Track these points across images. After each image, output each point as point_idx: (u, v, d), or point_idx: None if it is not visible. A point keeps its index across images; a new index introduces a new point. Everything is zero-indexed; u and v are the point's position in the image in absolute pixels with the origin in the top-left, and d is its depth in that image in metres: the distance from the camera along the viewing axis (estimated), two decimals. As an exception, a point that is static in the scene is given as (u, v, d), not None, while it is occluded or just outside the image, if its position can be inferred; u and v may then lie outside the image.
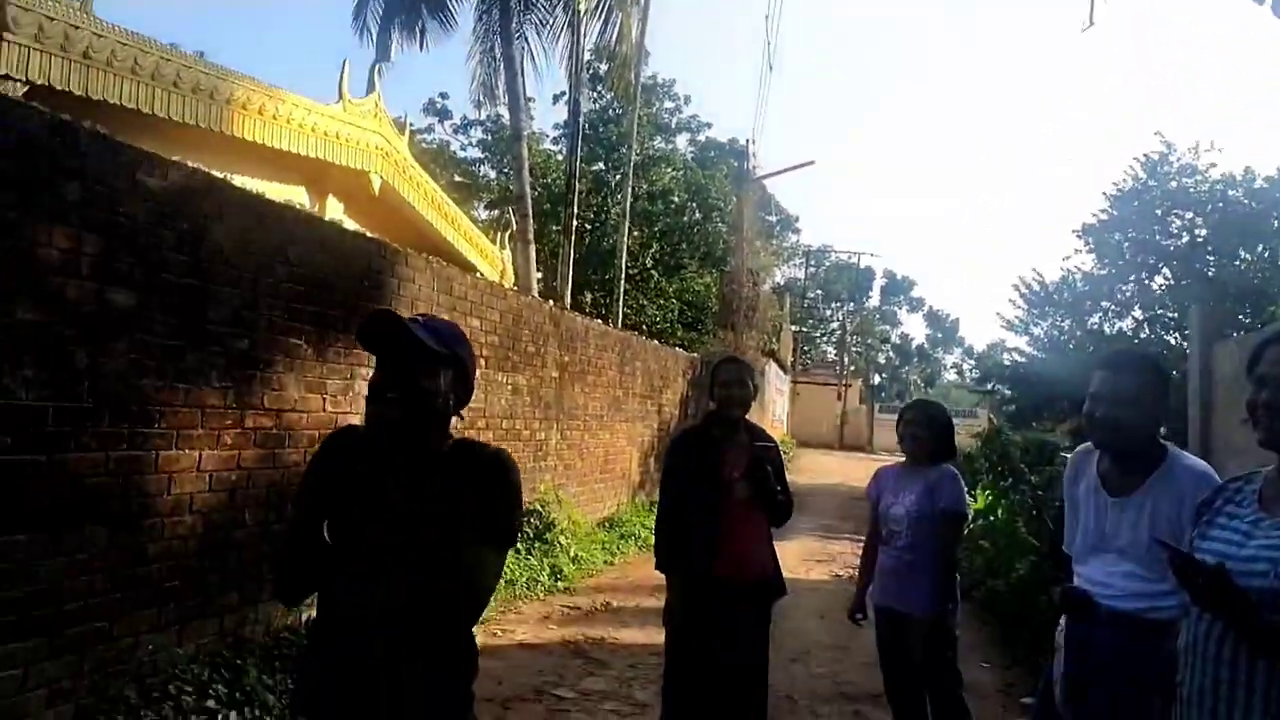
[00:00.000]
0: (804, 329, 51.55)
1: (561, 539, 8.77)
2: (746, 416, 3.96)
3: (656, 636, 6.65)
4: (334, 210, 8.62)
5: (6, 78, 4.61)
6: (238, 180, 5.05)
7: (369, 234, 6.86)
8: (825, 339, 59.49)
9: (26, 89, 4.76)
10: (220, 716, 4.17)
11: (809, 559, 10.37)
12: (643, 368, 12.96)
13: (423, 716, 1.87)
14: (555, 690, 5.33)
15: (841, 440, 41.72)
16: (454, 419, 2.03)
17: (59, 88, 5.04)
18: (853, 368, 51.98)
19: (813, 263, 51.51)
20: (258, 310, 5.03)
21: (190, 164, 4.64)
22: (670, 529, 3.73)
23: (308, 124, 7.69)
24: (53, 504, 3.83)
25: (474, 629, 2.00)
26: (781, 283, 44.60)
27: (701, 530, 3.64)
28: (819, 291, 55.44)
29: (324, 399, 5.63)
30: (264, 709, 4.32)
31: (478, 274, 8.79)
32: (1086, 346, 16.74)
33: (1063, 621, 2.73)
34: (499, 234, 15.75)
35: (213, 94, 6.61)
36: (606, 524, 10.92)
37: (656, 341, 14.69)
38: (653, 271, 27.86)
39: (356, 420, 5.89)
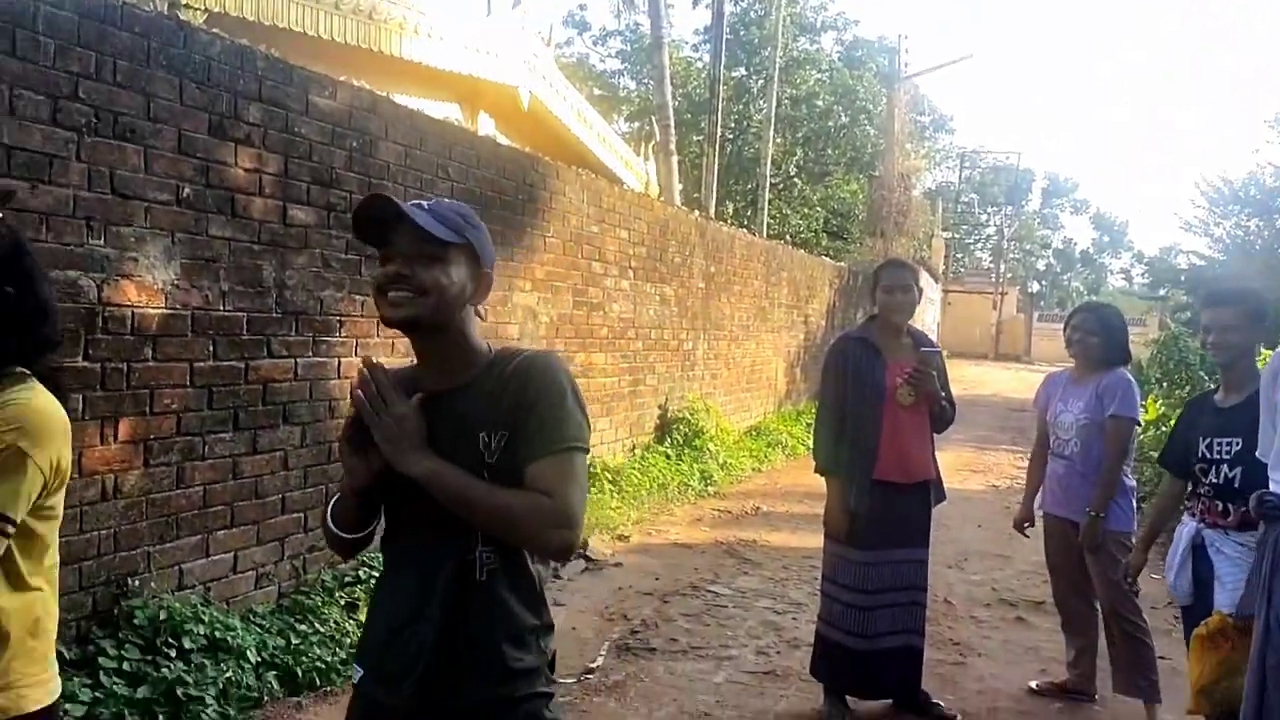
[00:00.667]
0: (957, 235, 49.37)
1: (710, 445, 8.91)
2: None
3: (809, 540, 6.76)
4: (486, 126, 8.79)
5: (187, 6, 4.90)
6: (397, 100, 5.22)
7: (523, 148, 6.98)
8: (980, 245, 56.88)
9: (205, 16, 5.05)
10: (405, 601, 4.53)
11: (965, 469, 10.16)
12: (788, 278, 12.80)
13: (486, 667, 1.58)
14: (711, 586, 5.50)
15: (996, 350, 40.16)
16: (476, 317, 1.70)
17: (233, 14, 5.32)
18: (1009, 275, 49.62)
19: (967, 165, 49.00)
20: (421, 224, 5.24)
21: (358, 85, 4.82)
22: (831, 432, 3.72)
23: (459, 41, 7.83)
24: (251, 408, 4.19)
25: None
26: (933, 187, 42.77)
27: (863, 434, 3.63)
28: (974, 195, 52.76)
29: (484, 308, 5.84)
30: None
31: (624, 186, 8.82)
32: (1275, 248, 15.36)
33: (1191, 523, 3.12)
34: (641, 145, 15.68)
35: (371, 14, 6.83)
36: (754, 432, 11.00)
37: (803, 251, 14.42)
38: (796, 179, 27.19)
39: (515, 329, 6.13)
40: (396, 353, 5.08)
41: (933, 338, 4.34)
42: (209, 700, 3.35)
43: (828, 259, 16.50)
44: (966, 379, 24.38)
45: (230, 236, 4.04)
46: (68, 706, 3.02)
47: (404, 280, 1.54)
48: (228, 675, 3.50)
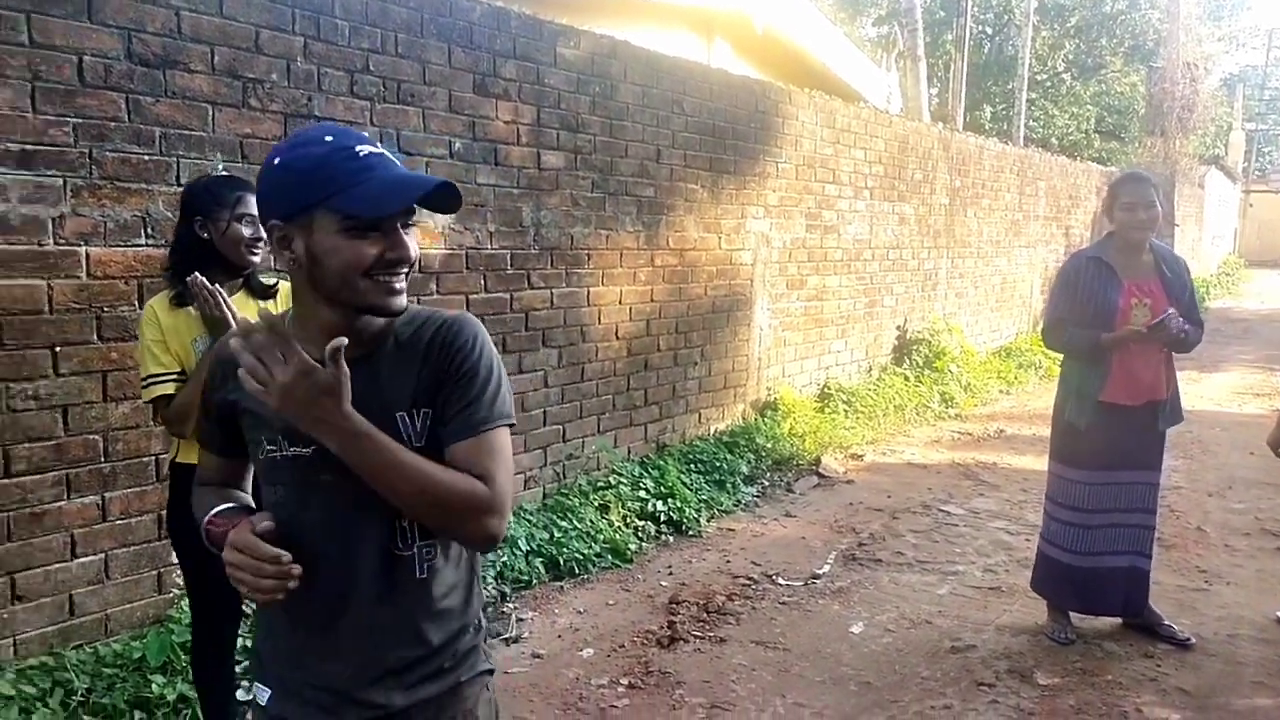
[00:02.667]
0: (1263, 127, 43.21)
1: (952, 367, 8.79)
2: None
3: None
4: (721, 52, 8.93)
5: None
6: (635, 35, 5.53)
7: (754, 75, 7.11)
8: (1291, 137, 49.41)
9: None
10: (649, 504, 5.04)
11: (1245, 392, 9.32)
12: (1046, 187, 12.05)
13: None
14: (944, 506, 5.61)
15: (1307, 258, 35.21)
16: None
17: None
18: (1329, 170, 42.87)
19: (1276, 43, 42.43)
20: (660, 161, 5.59)
21: (596, 31, 5.19)
22: (1054, 349, 3.80)
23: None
24: (515, 333, 4.77)
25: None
26: (1235, 72, 37.58)
27: (1090, 356, 3.62)
28: (1285, 79, 45.70)
29: (719, 237, 6.15)
30: (683, 501, 5.12)
31: (862, 103, 8.70)
32: None
33: None
34: (886, 55, 15.10)
35: (609, -45, 7.15)
36: (1004, 353, 10.63)
37: (1064, 157, 13.44)
38: (1064, 75, 24.96)
39: (748, 255, 6.38)
40: (638, 281, 5.52)
41: (1217, 253, 4.07)
42: (489, 579, 4.00)
43: (1095, 164, 15.24)
44: (1264, 293, 21.76)
45: (494, 183, 4.58)
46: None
47: (406, 262, 1.33)
48: (504, 559, 4.14)
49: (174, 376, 2.48)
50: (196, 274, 2.45)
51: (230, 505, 1.45)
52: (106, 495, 3.23)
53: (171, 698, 2.96)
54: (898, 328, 8.72)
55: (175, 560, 2.94)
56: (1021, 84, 16.07)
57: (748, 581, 4.36)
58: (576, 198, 5.04)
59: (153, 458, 3.33)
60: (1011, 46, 23.10)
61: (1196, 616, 3.98)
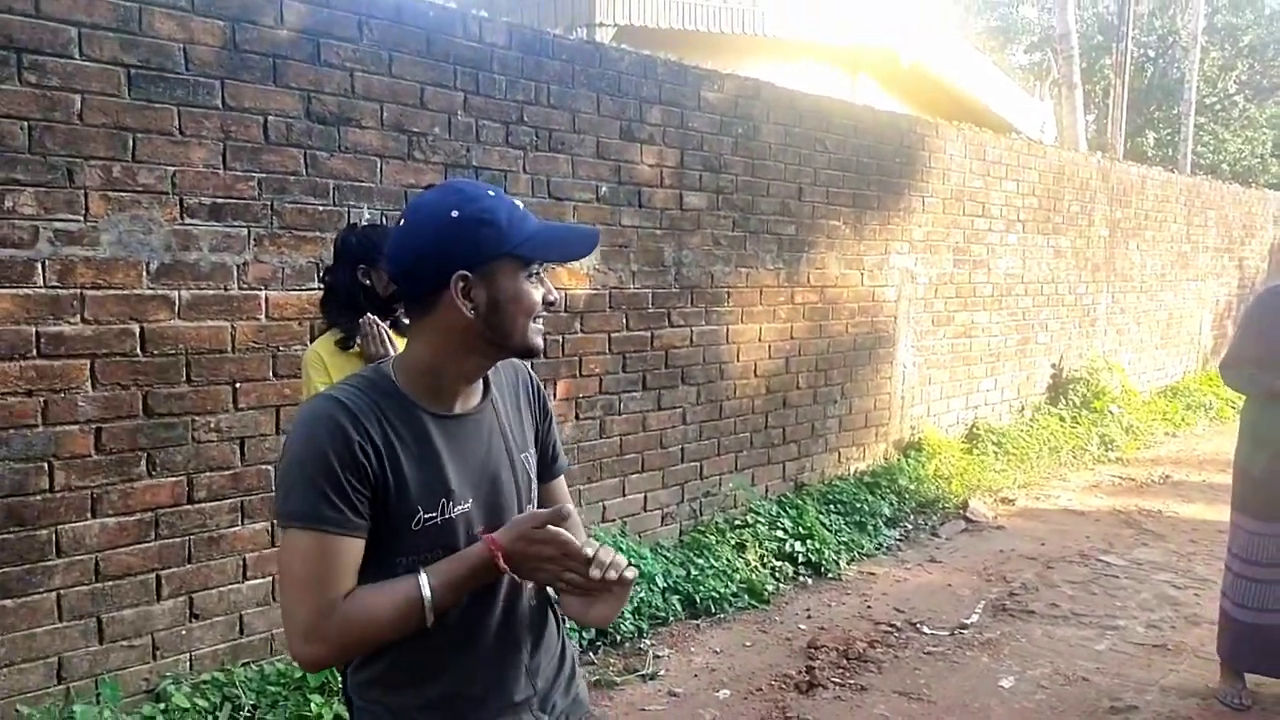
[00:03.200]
0: None
1: (1113, 407, 8.33)
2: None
3: (1227, 513, 6.16)
4: (867, 88, 8.88)
5: (601, 25, 5.67)
6: (778, 73, 5.58)
7: (899, 111, 7.03)
8: None
9: (615, 30, 5.80)
10: (786, 544, 4.99)
11: None
12: (1217, 217, 11.30)
13: None
14: (1103, 556, 5.31)
15: None
16: None
17: (637, 24, 6.03)
18: None
19: None
20: (801, 198, 5.59)
21: (741, 74, 5.26)
22: (1231, 387, 3.55)
23: (836, 9, 8.02)
24: (655, 370, 4.85)
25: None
26: None
27: (1268, 400, 3.38)
28: None
29: (861, 274, 6.08)
30: (822, 542, 5.05)
31: (1014, 134, 8.43)
32: None
33: None
34: (1039, 83, 14.58)
35: (755, 1, 7.26)
36: (1170, 393, 10.00)
37: (1237, 185, 12.58)
38: (1236, 98, 23.42)
39: (892, 293, 6.28)
40: (778, 319, 5.52)
41: None
42: (627, 613, 4.06)
43: (1272, 191, 14.18)
44: None
45: (637, 225, 4.70)
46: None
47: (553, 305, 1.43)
48: (641, 595, 4.19)
49: None
50: (370, 315, 2.63)
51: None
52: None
53: (328, 717, 3.14)
54: (1053, 365, 8.34)
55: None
56: (1189, 108, 15.17)
57: (890, 629, 4.25)
58: (717, 237, 5.10)
59: (319, 486, 3.55)
60: (1177, 69, 21.86)
61: (1396, 690, 3.62)
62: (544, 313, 1.41)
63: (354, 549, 1.30)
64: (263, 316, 3.39)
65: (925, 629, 4.26)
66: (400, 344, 2.72)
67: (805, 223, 5.63)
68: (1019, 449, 7.22)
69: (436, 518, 1.36)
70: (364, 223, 3.42)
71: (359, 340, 2.66)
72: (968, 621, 4.34)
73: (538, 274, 1.39)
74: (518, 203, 1.40)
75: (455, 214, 1.34)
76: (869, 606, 4.53)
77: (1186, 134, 15.26)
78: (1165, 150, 21.05)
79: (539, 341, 1.41)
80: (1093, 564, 5.17)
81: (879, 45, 8.48)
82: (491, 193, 1.38)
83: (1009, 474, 6.86)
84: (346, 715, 2.99)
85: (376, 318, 2.63)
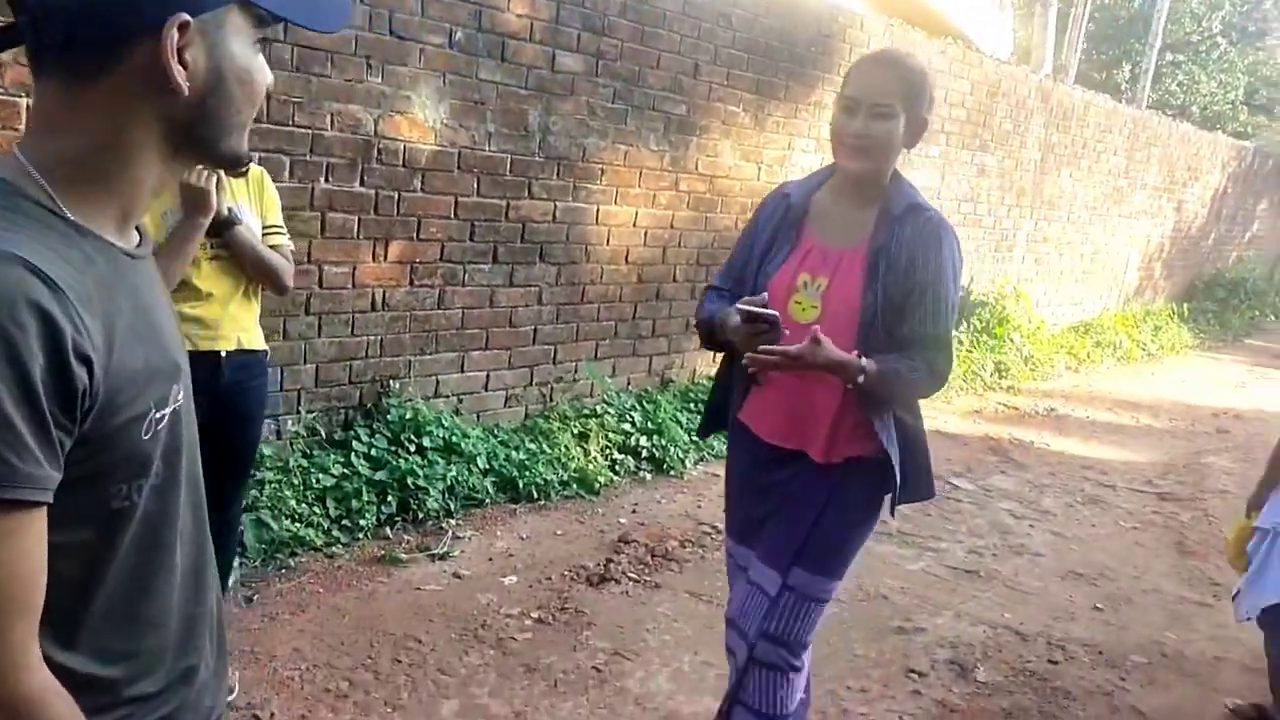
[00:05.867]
0: None
1: (1014, 335, 8.23)
2: None
3: (1100, 451, 6.15)
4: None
5: None
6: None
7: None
8: None
9: None
10: (633, 439, 4.83)
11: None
12: (1161, 155, 11.07)
13: None
14: (954, 479, 5.24)
15: None
16: None
17: None
18: None
19: None
20: (697, 76, 5.22)
21: (638, -71, 4.81)
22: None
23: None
24: (509, 244, 4.56)
25: None
26: None
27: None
28: None
29: (759, 167, 5.77)
30: (669, 439, 4.90)
31: (957, 40, 8.01)
32: None
33: None
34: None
35: None
36: (1081, 329, 9.94)
37: (1189, 125, 12.32)
38: (1219, 39, 22.89)
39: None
40: (658, 205, 5.22)
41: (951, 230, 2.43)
42: (434, 492, 3.88)
43: (1225, 137, 13.96)
44: None
45: (498, 81, 4.32)
46: (320, 475, 3.67)
47: None
48: (454, 474, 4.01)
49: None
50: None
51: None
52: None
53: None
54: (961, 287, 8.17)
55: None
56: (1155, 40, 14.74)
57: (711, 530, 4.13)
58: (594, 106, 4.74)
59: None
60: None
61: (1188, 632, 3.59)
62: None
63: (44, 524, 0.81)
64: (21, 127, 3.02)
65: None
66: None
67: (699, 104, 5.28)
68: (909, 367, 7.09)
69: (166, 412, 0.91)
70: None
71: None
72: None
73: (260, 43, 0.93)
74: None
75: None
76: (699, 506, 4.41)
77: (1147, 66, 14.89)
78: (1140, 85, 20.61)
79: (246, 147, 0.96)
80: (940, 486, 5.08)
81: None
82: None
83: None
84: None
85: None
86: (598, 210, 4.92)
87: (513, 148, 4.45)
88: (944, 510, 4.71)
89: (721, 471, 4.58)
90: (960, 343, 7.81)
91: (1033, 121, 8.41)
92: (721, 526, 4.08)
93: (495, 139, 4.37)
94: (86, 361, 0.79)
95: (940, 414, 6.65)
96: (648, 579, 3.59)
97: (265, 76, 0.93)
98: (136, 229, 0.95)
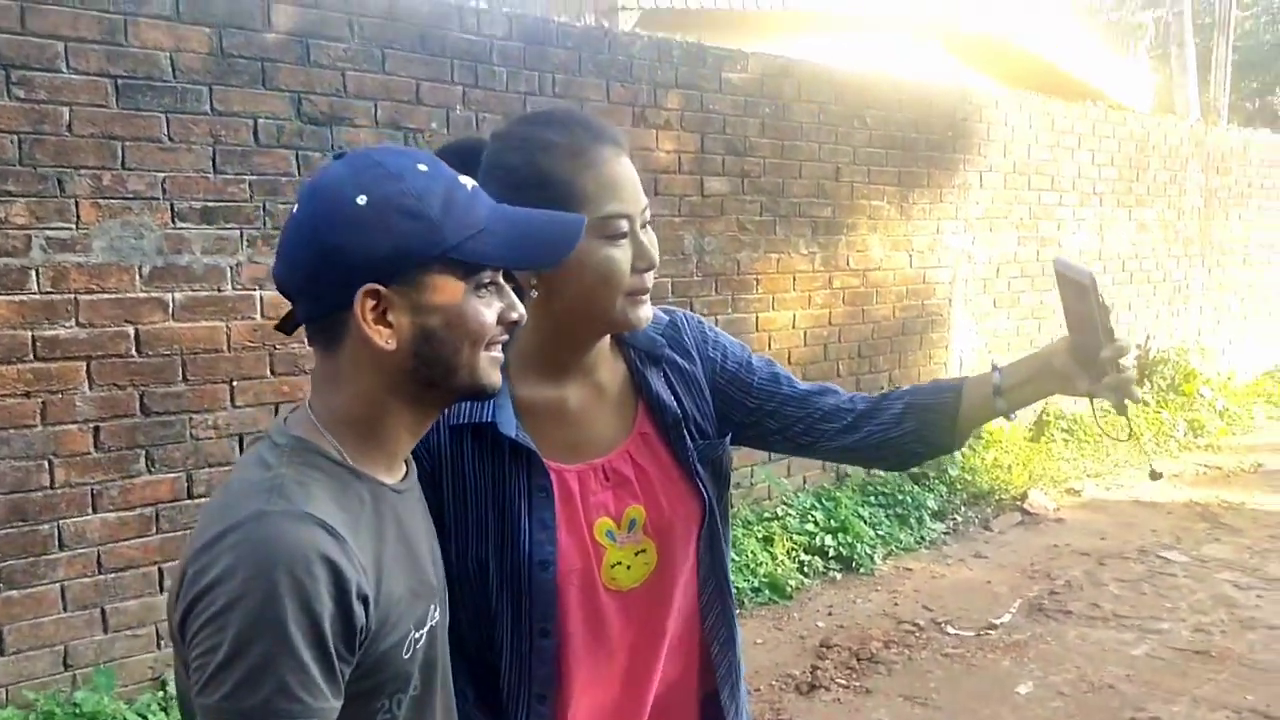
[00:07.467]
0: None
1: (1204, 390, 7.78)
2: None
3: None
4: (931, 52, 8.48)
5: (624, 9, 5.58)
6: (831, 47, 5.37)
7: (955, 80, 6.70)
8: None
9: (639, 14, 5.69)
10: (817, 538, 4.85)
11: None
12: (1339, 181, 10.37)
13: None
14: (1164, 552, 4.96)
15: None
16: None
17: (664, 7, 5.90)
18: None
19: None
20: (839, 179, 5.39)
21: (769, 52, 5.09)
22: None
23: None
24: (679, 359, 4.76)
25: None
26: None
27: None
28: None
29: (909, 255, 5.83)
30: (855, 535, 4.88)
31: (1097, 102, 7.90)
32: None
33: None
34: (1137, 43, 13.70)
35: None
36: (1278, 374, 9.27)
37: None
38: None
39: (946, 274, 6.00)
40: (813, 305, 5.35)
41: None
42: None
43: None
44: None
45: (656, 212, 4.59)
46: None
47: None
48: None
49: None
50: None
51: None
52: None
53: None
54: (1137, 347, 7.83)
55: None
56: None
57: (912, 628, 4.08)
58: (743, 222, 4.97)
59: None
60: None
61: None
62: (502, 336, 1.01)
63: None
64: (258, 315, 3.47)
65: (950, 629, 4.07)
66: None
67: (843, 204, 5.42)
68: (1093, 436, 6.82)
69: (424, 631, 1.01)
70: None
71: None
72: (997, 622, 4.12)
73: (493, 283, 0.99)
74: (465, 179, 1.00)
75: (363, 199, 0.92)
76: (896, 604, 4.36)
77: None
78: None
79: (496, 377, 1.01)
80: (1150, 560, 4.84)
81: (941, 9, 8.08)
82: (423, 166, 0.96)
83: (1079, 463, 6.49)
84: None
85: None
86: (756, 318, 5.09)
87: (673, 271, 4.70)
88: (1159, 587, 4.48)
89: (914, 565, 4.56)
90: (1145, 404, 7.45)
91: (1189, 168, 8.12)
92: (924, 624, 4.04)
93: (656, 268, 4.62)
94: (364, 600, 0.90)
95: (1137, 481, 6.34)
96: (857, 684, 3.57)
97: (485, 317, 0.97)
98: (405, 461, 1.07)
